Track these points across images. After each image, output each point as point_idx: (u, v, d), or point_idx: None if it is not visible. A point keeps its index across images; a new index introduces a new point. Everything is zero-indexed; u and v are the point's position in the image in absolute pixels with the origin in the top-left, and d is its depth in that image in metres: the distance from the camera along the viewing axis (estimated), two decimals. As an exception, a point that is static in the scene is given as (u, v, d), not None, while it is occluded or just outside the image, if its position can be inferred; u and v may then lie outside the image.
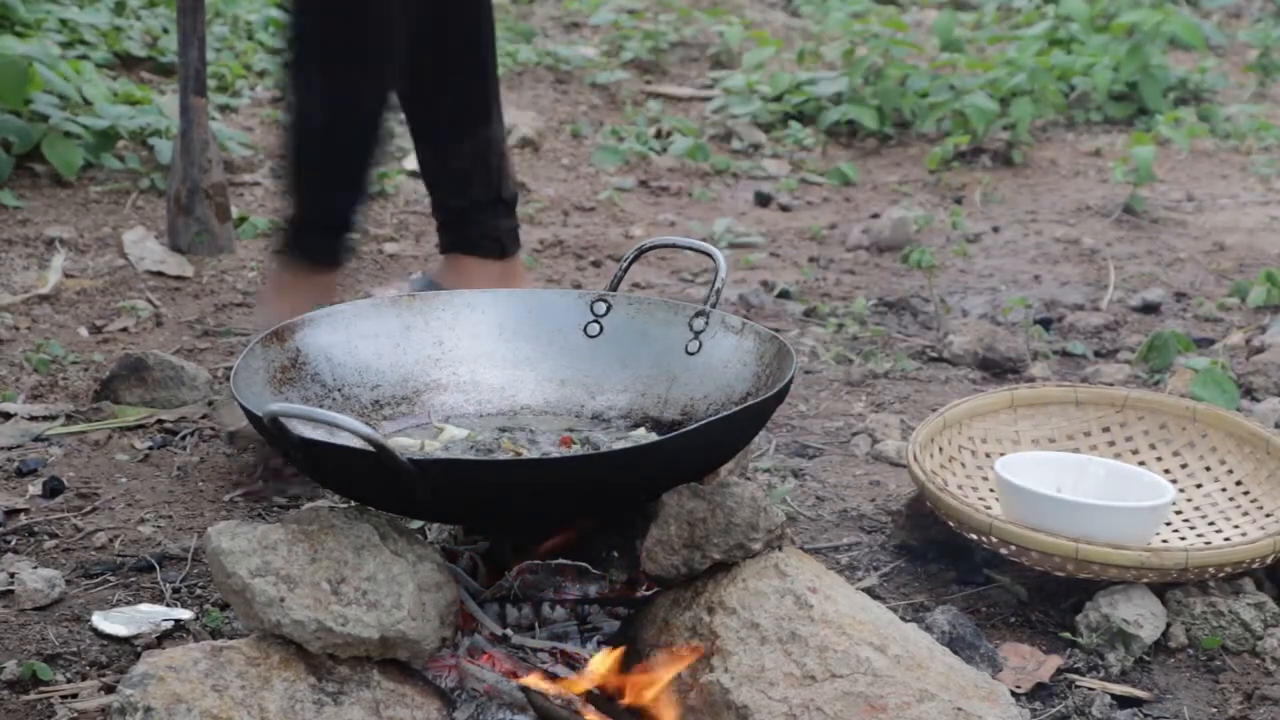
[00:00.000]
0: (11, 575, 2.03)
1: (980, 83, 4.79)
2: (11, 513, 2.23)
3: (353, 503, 1.72)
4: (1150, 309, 3.35)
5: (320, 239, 2.54)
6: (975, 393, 2.70)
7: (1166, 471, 2.30)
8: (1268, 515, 2.18)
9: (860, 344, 3.08)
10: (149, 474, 2.39)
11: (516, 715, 1.65)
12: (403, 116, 2.72)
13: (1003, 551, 2.02)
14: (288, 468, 2.28)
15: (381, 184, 3.99)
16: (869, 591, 2.06)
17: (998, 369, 2.97)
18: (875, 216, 3.99)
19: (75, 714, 1.76)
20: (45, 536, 2.18)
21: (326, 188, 2.53)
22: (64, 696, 1.79)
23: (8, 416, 2.55)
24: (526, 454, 1.80)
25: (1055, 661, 1.92)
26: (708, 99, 5.18)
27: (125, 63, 4.79)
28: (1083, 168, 4.59)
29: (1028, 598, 2.08)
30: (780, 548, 1.73)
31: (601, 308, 2.02)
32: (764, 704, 1.58)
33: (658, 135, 4.74)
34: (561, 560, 1.73)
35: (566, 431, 1.88)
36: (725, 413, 1.72)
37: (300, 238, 2.54)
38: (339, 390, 1.92)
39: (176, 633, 1.94)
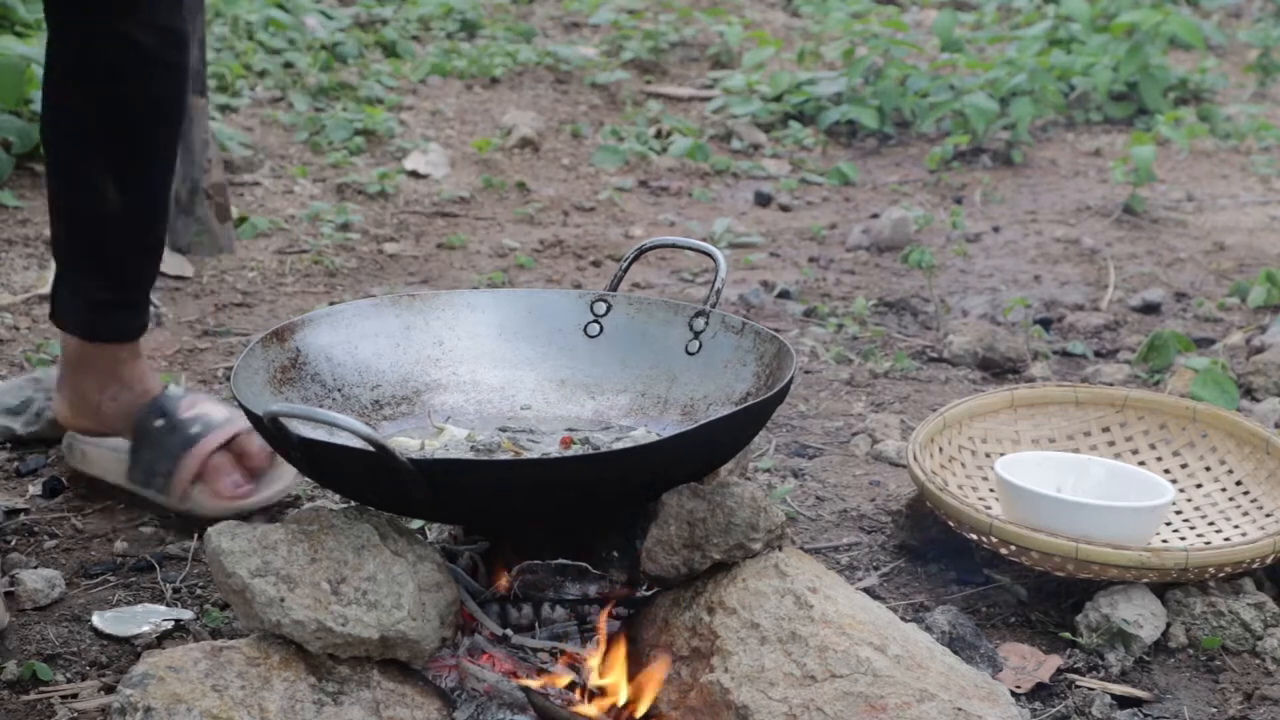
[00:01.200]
0: (12, 575, 2.03)
1: (980, 83, 4.80)
2: (11, 513, 2.23)
3: (353, 503, 1.72)
4: (1150, 309, 3.35)
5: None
6: (975, 393, 2.70)
7: (1166, 471, 2.30)
8: (1268, 515, 2.18)
9: (860, 344, 3.08)
10: (149, 474, 2.38)
11: (516, 715, 1.66)
12: None
13: (1003, 551, 2.02)
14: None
15: (382, 184, 3.99)
16: (869, 591, 2.06)
17: (998, 369, 2.97)
18: (875, 216, 3.99)
19: (75, 714, 1.76)
20: (45, 536, 2.18)
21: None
22: (64, 696, 1.79)
23: (8, 416, 2.55)
24: (526, 454, 1.80)
25: (1055, 661, 1.92)
26: (708, 99, 5.18)
27: (125, 63, 4.79)
28: (1083, 168, 4.59)
29: (1028, 598, 2.08)
30: (780, 548, 1.73)
31: (601, 308, 2.02)
32: (764, 704, 1.58)
33: (658, 135, 4.74)
34: (562, 560, 1.73)
35: (566, 431, 1.88)
36: (725, 413, 1.72)
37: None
38: (339, 390, 1.92)
39: (176, 633, 1.94)
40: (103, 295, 2.22)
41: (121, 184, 2.17)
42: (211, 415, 2.22)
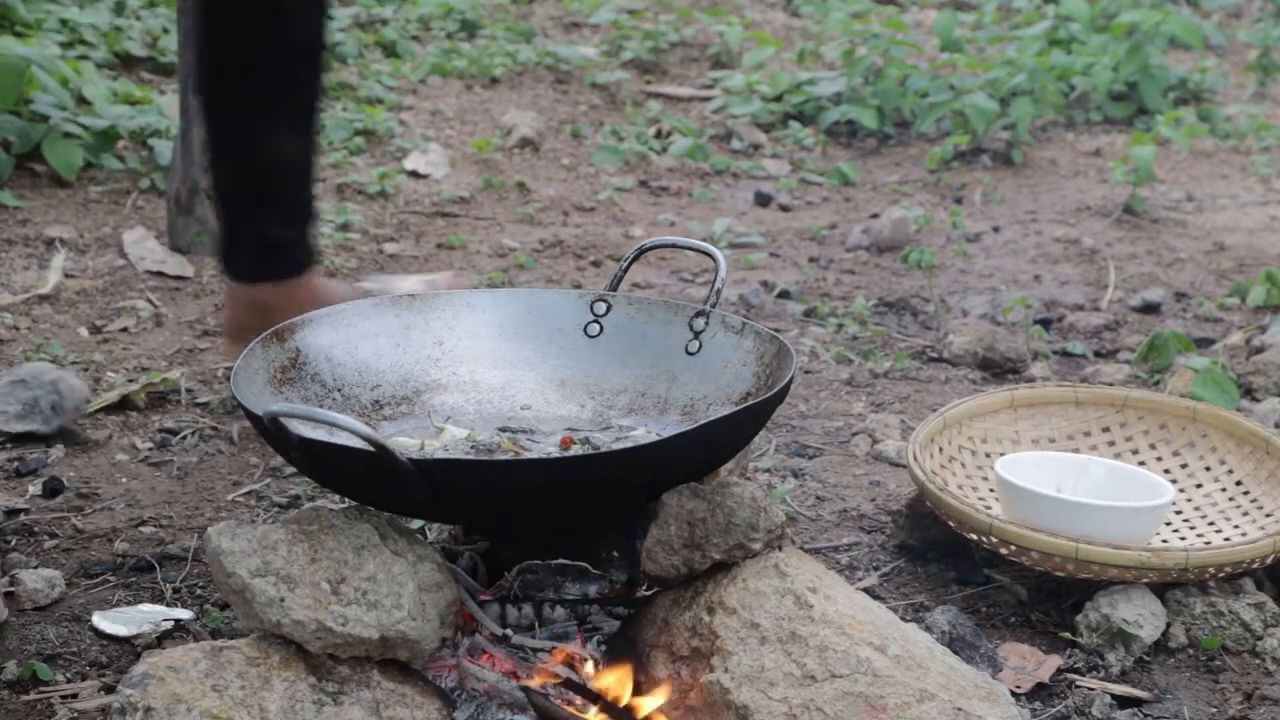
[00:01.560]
0: (12, 575, 2.03)
1: (980, 83, 4.79)
2: (11, 513, 2.23)
3: (353, 503, 1.72)
4: (1150, 309, 3.35)
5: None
6: (975, 393, 2.70)
7: (1166, 471, 2.30)
8: (1268, 515, 2.18)
9: (860, 344, 3.08)
10: (149, 474, 2.39)
11: (516, 715, 1.66)
12: None
13: (1003, 551, 2.02)
14: None
15: (382, 184, 3.99)
16: (869, 591, 2.06)
17: (998, 369, 2.97)
18: (875, 216, 3.99)
19: (75, 714, 1.76)
20: (45, 536, 2.18)
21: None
22: (64, 696, 1.79)
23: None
24: (526, 454, 1.80)
25: (1055, 661, 1.92)
26: (708, 99, 5.18)
27: (125, 63, 4.79)
28: (1083, 168, 4.59)
29: (1028, 598, 2.08)
30: (780, 548, 1.73)
31: (601, 308, 2.02)
32: (764, 704, 1.58)
33: (658, 135, 4.74)
34: (561, 560, 1.73)
35: (566, 431, 1.88)
36: (725, 413, 1.72)
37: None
38: (339, 390, 1.92)
39: (176, 633, 1.94)
40: (282, 234, 2.41)
41: (296, 126, 2.37)
42: (398, 284, 2.41)
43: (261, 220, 2.42)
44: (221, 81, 2.37)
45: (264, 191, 2.43)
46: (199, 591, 2.05)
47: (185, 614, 1.97)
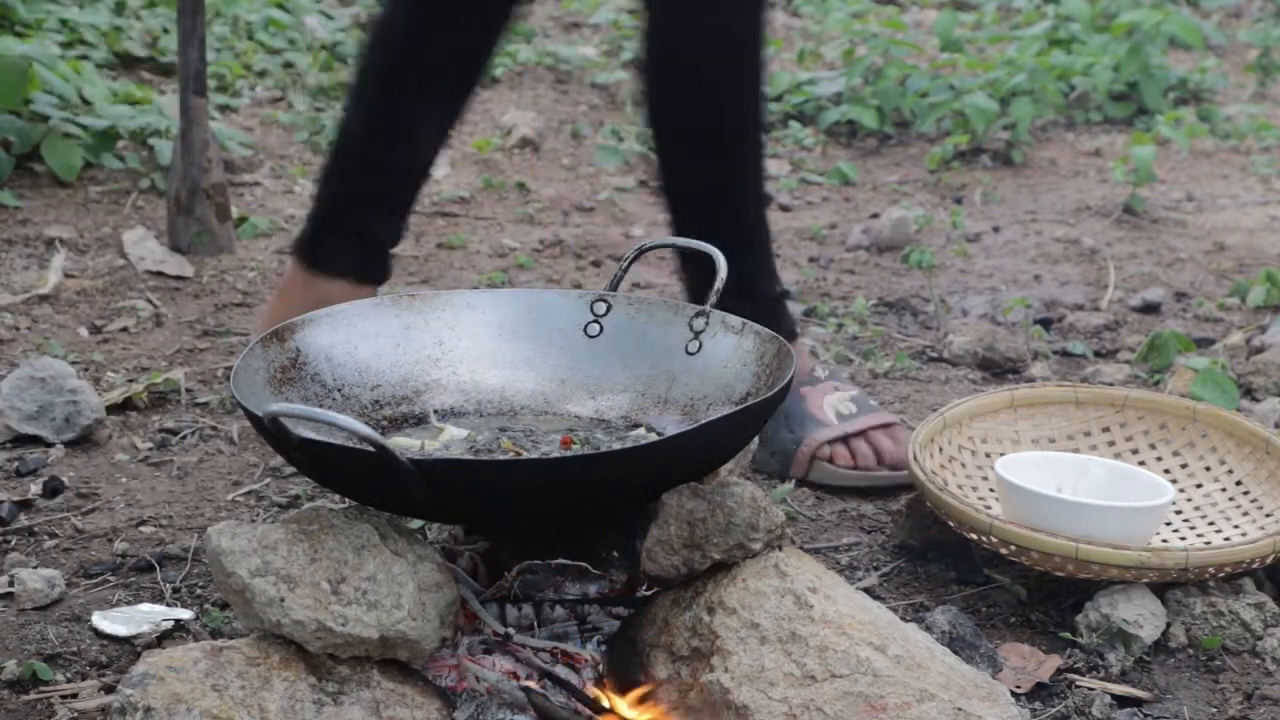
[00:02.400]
0: (11, 575, 2.03)
1: (980, 83, 4.79)
2: (23, 504, 2.23)
3: (353, 503, 1.72)
4: (1150, 309, 3.35)
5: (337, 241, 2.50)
6: (975, 393, 2.70)
7: (1166, 471, 2.30)
8: (1268, 515, 2.18)
9: (860, 344, 3.08)
10: (149, 474, 2.39)
11: (516, 715, 1.66)
12: None
13: (1003, 551, 2.02)
14: None
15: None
16: (869, 591, 2.06)
17: (998, 369, 2.97)
18: (875, 216, 3.99)
19: (75, 714, 1.76)
20: (45, 536, 2.18)
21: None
22: (64, 696, 1.79)
23: (8, 416, 2.55)
24: (526, 454, 1.80)
25: (1055, 661, 1.92)
26: (708, 99, 5.17)
27: (125, 63, 4.79)
28: (1083, 168, 4.59)
29: (1028, 598, 2.08)
30: (780, 548, 1.73)
31: (601, 308, 2.02)
32: (764, 704, 1.58)
33: (658, 135, 4.73)
34: (562, 560, 1.73)
35: (566, 431, 1.88)
36: (725, 412, 1.72)
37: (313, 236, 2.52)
38: (339, 390, 1.92)
39: (176, 633, 1.94)
40: (382, 236, 2.50)
41: (443, 134, 2.53)
42: None
43: (368, 219, 2.48)
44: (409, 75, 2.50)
45: (388, 191, 2.51)
46: (199, 591, 2.05)
47: (185, 614, 1.97)
